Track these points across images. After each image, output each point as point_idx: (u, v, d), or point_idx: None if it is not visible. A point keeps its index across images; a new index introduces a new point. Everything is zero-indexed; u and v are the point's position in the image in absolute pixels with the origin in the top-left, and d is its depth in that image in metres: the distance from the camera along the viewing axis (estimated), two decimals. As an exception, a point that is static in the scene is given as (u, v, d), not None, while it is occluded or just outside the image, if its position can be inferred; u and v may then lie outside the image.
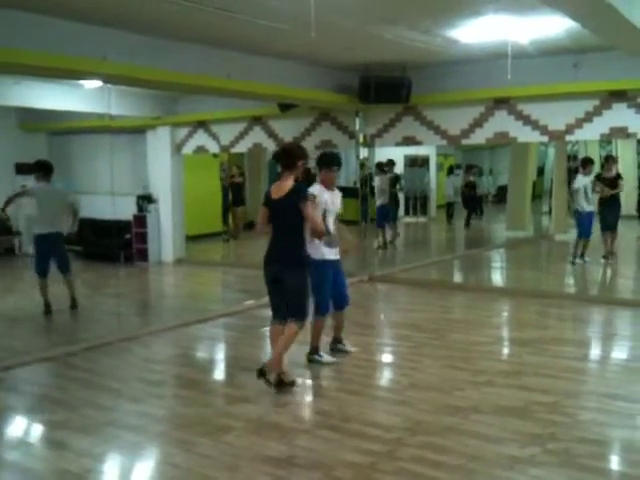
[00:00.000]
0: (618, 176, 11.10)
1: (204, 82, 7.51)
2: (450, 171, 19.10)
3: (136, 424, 4.68)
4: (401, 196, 16.09)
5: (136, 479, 4.06)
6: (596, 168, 11.65)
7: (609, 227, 11.03)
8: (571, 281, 10.78)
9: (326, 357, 5.98)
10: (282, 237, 5.25)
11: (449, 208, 18.14)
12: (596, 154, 16.37)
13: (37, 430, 4.82)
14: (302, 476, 3.85)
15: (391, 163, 13.80)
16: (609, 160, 11.53)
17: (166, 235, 12.35)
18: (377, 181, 12.82)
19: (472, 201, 17.21)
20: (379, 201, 12.91)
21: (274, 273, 5.23)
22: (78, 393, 5.36)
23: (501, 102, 9.01)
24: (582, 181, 10.61)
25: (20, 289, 7.95)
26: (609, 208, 10.96)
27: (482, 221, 18.37)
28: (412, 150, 16.52)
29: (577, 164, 12.39)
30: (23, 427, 4.85)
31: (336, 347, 6.22)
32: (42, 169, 7.95)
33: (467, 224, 16.91)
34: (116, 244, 12.09)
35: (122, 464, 4.21)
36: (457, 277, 11.68)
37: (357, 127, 10.15)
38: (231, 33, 6.91)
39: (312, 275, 5.45)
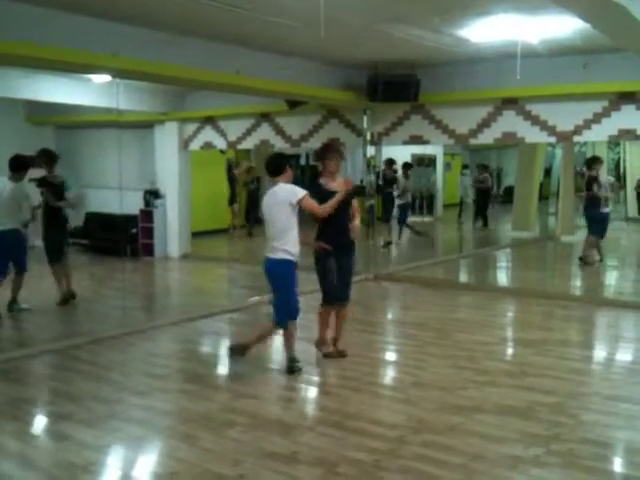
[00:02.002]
0: (595, 179, 10.59)
1: (213, 78, 7.51)
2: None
3: (140, 417, 4.70)
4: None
5: (139, 472, 4.06)
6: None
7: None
8: (576, 283, 10.75)
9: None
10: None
11: (460, 207, 17.94)
12: (604, 156, 16.26)
13: (41, 422, 4.85)
14: (305, 472, 3.86)
15: (390, 162, 13.73)
16: (595, 161, 10.94)
17: (172, 230, 12.38)
18: (404, 182, 13.80)
19: (486, 200, 16.51)
20: (404, 200, 13.86)
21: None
22: (83, 386, 5.39)
23: (510, 102, 8.97)
24: None
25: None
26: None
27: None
28: (419, 149, 16.40)
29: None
30: (27, 419, 4.87)
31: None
32: None
33: (485, 224, 16.37)
34: (122, 238, 12.12)
35: (126, 457, 4.23)
36: (462, 277, 11.66)
37: (365, 125, 10.12)
38: (241, 30, 6.91)
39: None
